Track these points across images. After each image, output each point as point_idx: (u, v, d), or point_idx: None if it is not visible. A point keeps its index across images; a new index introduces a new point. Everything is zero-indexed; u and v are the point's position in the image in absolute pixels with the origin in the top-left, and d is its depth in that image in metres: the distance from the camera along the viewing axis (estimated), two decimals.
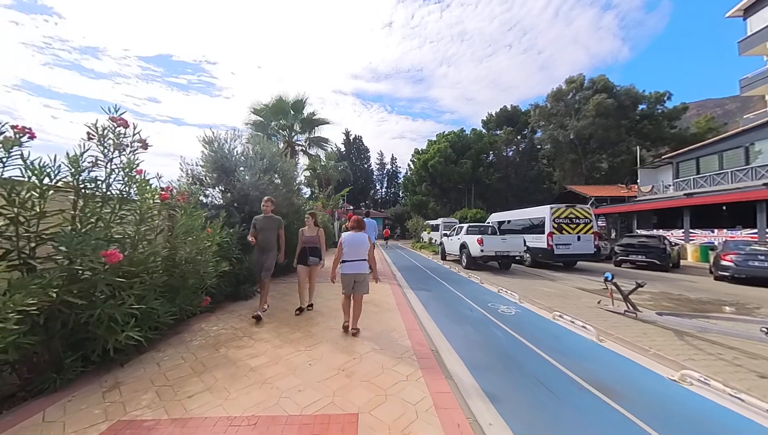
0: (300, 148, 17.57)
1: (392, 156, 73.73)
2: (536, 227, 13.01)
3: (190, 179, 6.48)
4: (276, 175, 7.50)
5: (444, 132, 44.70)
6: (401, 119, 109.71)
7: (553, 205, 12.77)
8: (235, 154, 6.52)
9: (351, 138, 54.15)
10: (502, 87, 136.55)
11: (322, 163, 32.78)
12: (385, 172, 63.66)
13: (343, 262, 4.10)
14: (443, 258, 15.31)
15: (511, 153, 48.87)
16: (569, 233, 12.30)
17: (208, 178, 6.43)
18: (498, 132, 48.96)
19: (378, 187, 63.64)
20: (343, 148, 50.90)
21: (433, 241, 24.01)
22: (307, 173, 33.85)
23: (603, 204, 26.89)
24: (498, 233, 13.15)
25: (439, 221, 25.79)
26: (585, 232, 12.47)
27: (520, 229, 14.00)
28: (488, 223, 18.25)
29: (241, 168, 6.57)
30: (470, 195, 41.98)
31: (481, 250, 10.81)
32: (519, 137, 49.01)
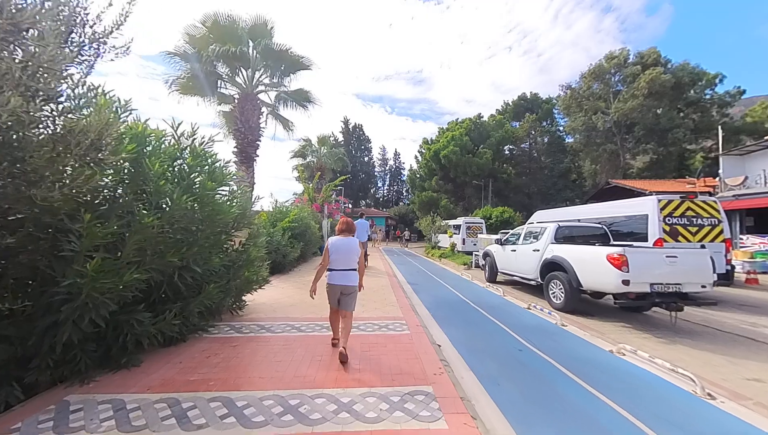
0: (267, 108, 11.59)
1: (395, 151, 67.77)
2: (626, 233, 7.59)
3: None
4: None
5: (457, 119, 38.82)
6: (401, 120, 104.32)
7: (661, 196, 7.35)
8: None
9: (351, 126, 48.10)
10: (502, 89, 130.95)
11: (314, 149, 26.95)
12: (387, 168, 57.57)
13: (330, 270, 3.44)
14: (491, 279, 9.39)
15: (532, 145, 42.90)
16: (689, 240, 7.07)
17: None
18: (515, 124, 42.91)
19: (380, 185, 57.64)
20: (341, 138, 44.96)
21: (456, 247, 18.08)
22: (296, 161, 27.95)
23: None
24: (611, 239, 7.23)
25: (461, 221, 19.93)
26: (712, 240, 7.18)
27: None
28: (531, 223, 12.36)
29: None
30: (487, 191, 36.03)
31: (625, 281, 4.85)
32: (535, 131, 42.94)
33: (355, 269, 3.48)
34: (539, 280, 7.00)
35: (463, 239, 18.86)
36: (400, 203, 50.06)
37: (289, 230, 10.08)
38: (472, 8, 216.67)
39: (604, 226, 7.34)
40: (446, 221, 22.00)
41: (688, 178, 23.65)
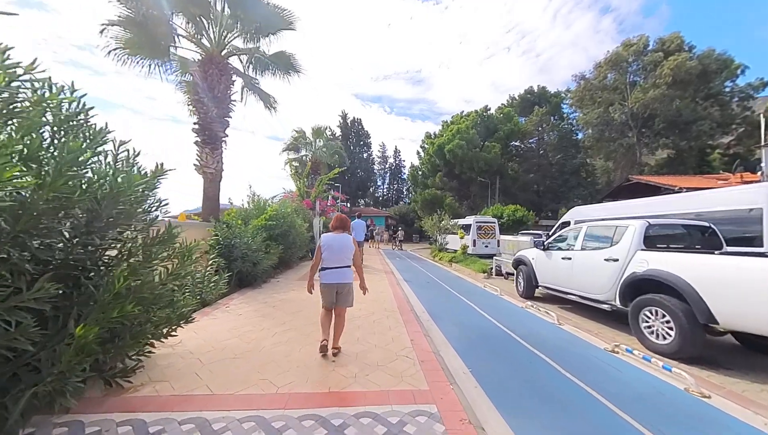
0: (241, 77, 9.31)
1: (395, 148, 65.32)
2: (726, 237, 5.12)
3: None
4: None
5: (462, 112, 36.59)
6: (400, 120, 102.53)
7: None
8: None
9: (349, 121, 45.72)
10: (501, 89, 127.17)
11: (308, 141, 24.68)
12: (387, 166, 55.23)
13: (323, 269, 3.34)
14: (528, 295, 7.14)
15: (540, 140, 40.71)
16: None
17: None
18: (522, 119, 40.61)
19: (379, 183, 55.27)
20: (338, 133, 42.63)
21: (467, 249, 15.86)
22: (287, 156, 25.59)
23: None
24: (724, 244, 4.99)
25: (470, 220, 17.74)
26: None
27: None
28: (566, 221, 10.18)
29: None
30: (493, 189, 33.80)
31: None
32: (545, 125, 40.69)
33: (349, 266, 3.40)
34: (617, 303, 4.77)
35: (474, 240, 16.67)
36: (400, 202, 47.77)
37: (265, 230, 7.83)
38: (471, 8, 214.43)
39: (712, 225, 5.07)
40: (454, 221, 19.75)
41: (722, 172, 21.41)
